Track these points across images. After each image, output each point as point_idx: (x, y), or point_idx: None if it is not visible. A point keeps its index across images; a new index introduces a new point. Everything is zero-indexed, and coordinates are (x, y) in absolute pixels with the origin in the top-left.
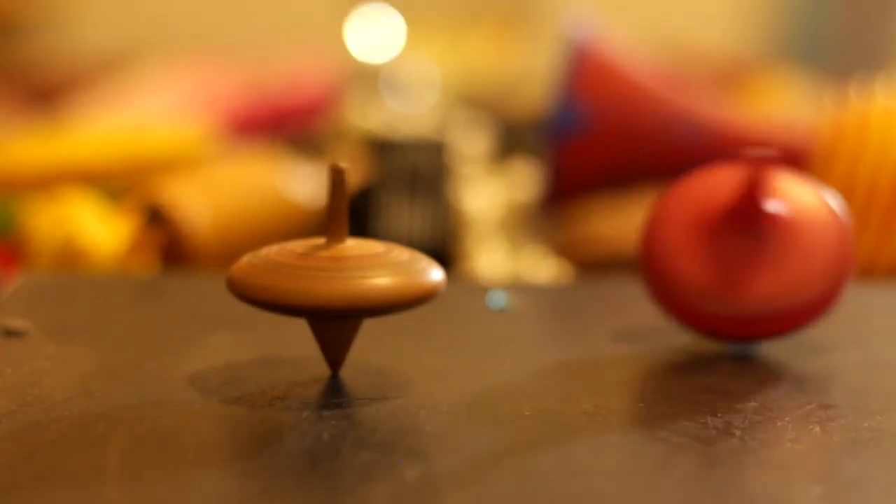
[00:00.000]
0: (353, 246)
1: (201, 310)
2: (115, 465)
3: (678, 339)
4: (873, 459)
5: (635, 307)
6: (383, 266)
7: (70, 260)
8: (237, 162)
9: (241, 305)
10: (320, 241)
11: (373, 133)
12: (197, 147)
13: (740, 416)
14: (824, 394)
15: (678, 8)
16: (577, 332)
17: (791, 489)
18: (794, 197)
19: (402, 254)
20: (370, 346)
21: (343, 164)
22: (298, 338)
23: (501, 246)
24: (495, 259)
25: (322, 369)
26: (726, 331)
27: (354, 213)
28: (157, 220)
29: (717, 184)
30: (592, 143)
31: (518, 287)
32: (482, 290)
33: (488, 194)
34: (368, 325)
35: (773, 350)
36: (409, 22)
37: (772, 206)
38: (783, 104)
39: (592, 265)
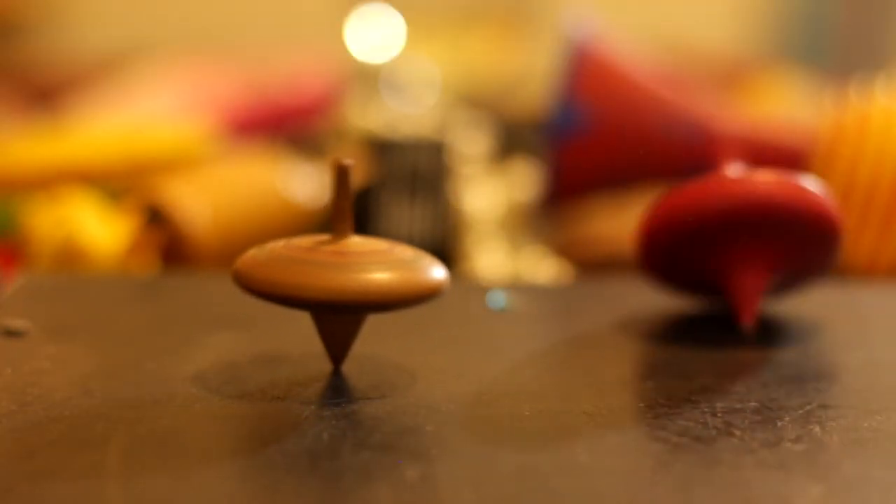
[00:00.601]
0: (358, 242)
1: (201, 309)
2: (115, 465)
3: (678, 339)
4: (873, 459)
5: (635, 307)
6: (388, 262)
7: (70, 260)
8: (237, 162)
9: (241, 305)
10: (325, 237)
11: (373, 133)
12: (197, 147)
13: (740, 416)
14: (824, 394)
15: (678, 8)
16: (577, 332)
17: (791, 489)
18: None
19: (405, 252)
20: (371, 344)
21: (347, 161)
22: (299, 337)
23: (501, 246)
24: (495, 259)
25: (322, 369)
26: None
27: (354, 212)
28: (157, 219)
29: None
30: (592, 143)
31: (518, 287)
32: (482, 290)
33: (488, 194)
34: (370, 324)
35: (773, 350)
36: (409, 22)
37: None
38: (783, 104)
39: (592, 265)
